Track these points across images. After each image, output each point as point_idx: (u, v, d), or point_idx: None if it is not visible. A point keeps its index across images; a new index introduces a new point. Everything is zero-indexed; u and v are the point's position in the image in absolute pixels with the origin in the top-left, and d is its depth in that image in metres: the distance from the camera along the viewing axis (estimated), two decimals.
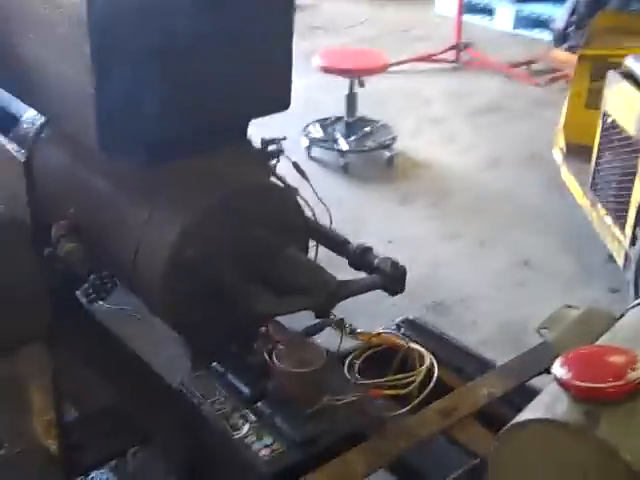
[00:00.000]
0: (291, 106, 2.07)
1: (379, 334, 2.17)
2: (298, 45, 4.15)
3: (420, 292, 3.50)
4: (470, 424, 1.77)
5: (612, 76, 4.07)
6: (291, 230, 2.01)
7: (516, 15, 6.88)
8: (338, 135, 5.06)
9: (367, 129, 5.17)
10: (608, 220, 3.81)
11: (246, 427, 1.71)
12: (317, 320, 1.96)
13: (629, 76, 3.88)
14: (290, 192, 2.06)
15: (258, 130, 2.29)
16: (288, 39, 2.00)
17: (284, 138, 2.22)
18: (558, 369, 1.48)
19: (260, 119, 2.08)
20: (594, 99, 4.33)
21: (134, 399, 2.02)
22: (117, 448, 1.96)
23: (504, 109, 5.81)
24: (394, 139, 5.07)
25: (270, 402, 1.76)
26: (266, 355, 1.75)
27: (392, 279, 1.96)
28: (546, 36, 6.56)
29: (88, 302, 2.19)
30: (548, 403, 1.47)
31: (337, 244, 2.08)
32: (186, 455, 1.79)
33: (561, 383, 1.46)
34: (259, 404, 1.77)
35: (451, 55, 6.35)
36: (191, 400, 1.78)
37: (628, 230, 3.58)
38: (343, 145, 4.96)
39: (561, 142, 4.61)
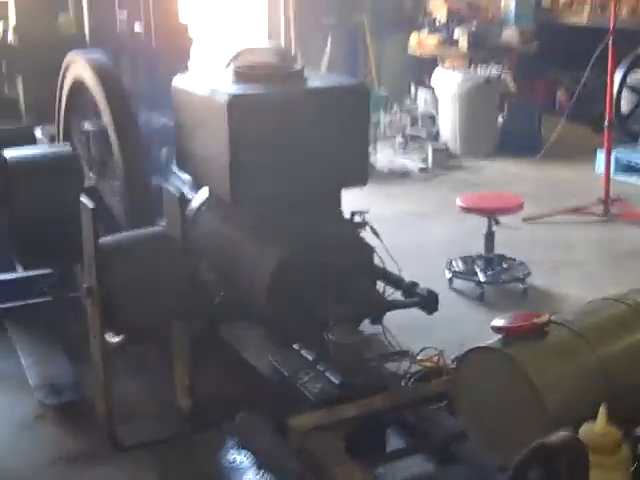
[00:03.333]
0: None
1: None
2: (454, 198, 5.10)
3: None
4: None
5: None
6: (362, 269, 3.09)
7: None
8: (477, 269, 6.04)
9: (504, 265, 6.11)
10: None
11: (306, 377, 2.73)
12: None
13: None
14: (364, 244, 3.15)
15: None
16: (365, 139, 3.17)
17: (367, 211, 3.33)
18: (496, 322, 2.41)
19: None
20: None
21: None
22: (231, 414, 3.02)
23: None
24: (529, 274, 5.95)
25: (326, 364, 2.79)
26: (325, 334, 2.80)
27: (427, 300, 2.96)
28: None
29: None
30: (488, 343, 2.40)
31: (395, 281, 3.12)
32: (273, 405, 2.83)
33: (494, 328, 2.38)
34: (318, 365, 2.81)
35: (599, 209, 7.22)
36: (275, 365, 2.86)
37: None
38: (480, 277, 5.92)
39: None
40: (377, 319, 2.97)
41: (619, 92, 7.89)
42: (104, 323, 2.84)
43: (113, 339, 3.62)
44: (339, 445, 2.43)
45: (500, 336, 2.37)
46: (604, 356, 2.35)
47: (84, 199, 2.79)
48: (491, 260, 6.11)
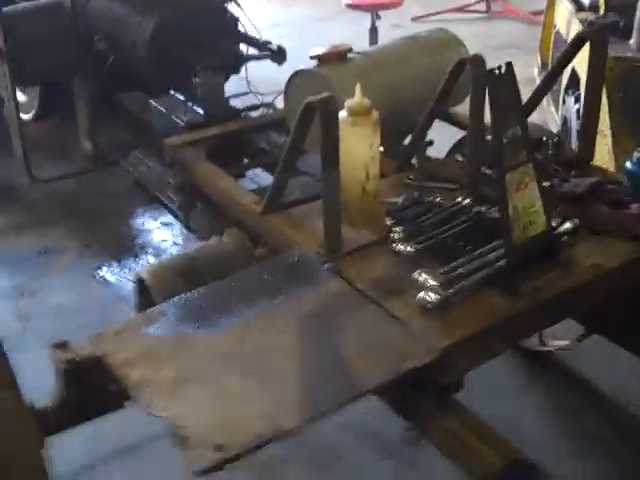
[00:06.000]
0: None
1: None
2: None
3: None
4: None
5: None
6: (226, 32, 3.91)
7: None
8: None
9: None
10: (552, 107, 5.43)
11: (180, 112, 3.63)
12: None
13: None
14: (229, 14, 3.96)
15: None
16: None
17: None
18: (312, 52, 3.25)
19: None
20: None
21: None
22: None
23: (518, 47, 7.42)
24: None
25: (195, 102, 3.68)
26: (193, 79, 3.67)
27: (276, 53, 3.83)
28: None
29: None
30: None
31: (254, 42, 3.96)
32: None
33: (311, 57, 3.23)
34: (189, 103, 3.70)
35: (482, 7, 8.05)
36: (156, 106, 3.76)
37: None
38: None
39: (537, 61, 6.27)
40: (236, 69, 3.85)
41: None
42: (12, 77, 3.66)
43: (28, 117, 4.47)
44: (201, 153, 3.32)
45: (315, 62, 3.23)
46: (390, 76, 3.25)
47: None
48: None
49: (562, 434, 3.10)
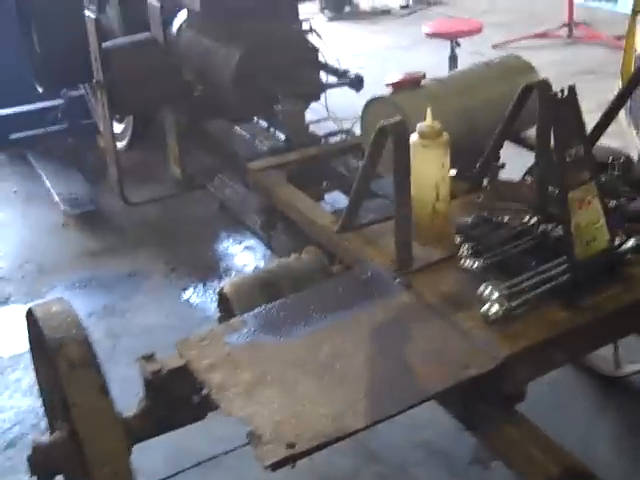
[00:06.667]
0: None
1: None
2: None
3: None
4: None
5: (638, 19, 5.77)
6: (306, 62, 4.12)
7: None
8: None
9: None
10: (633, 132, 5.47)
11: (262, 137, 3.83)
12: None
13: None
14: (309, 44, 4.17)
15: None
16: None
17: (312, 18, 4.32)
18: (387, 79, 3.42)
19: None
20: None
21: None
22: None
23: (598, 72, 7.45)
24: None
25: (277, 129, 3.88)
26: (275, 107, 3.87)
27: (354, 81, 4.01)
28: None
29: None
30: None
31: (333, 71, 4.16)
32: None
33: (386, 85, 3.40)
34: (271, 129, 3.89)
35: (564, 32, 8.10)
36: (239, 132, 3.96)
37: None
38: None
39: (618, 85, 6.30)
40: (316, 97, 4.05)
41: None
42: (110, 108, 3.93)
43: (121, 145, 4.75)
44: (282, 177, 3.51)
45: (390, 90, 3.40)
46: (462, 102, 3.38)
47: (88, 12, 3.83)
48: None
49: (633, 456, 3.12)
